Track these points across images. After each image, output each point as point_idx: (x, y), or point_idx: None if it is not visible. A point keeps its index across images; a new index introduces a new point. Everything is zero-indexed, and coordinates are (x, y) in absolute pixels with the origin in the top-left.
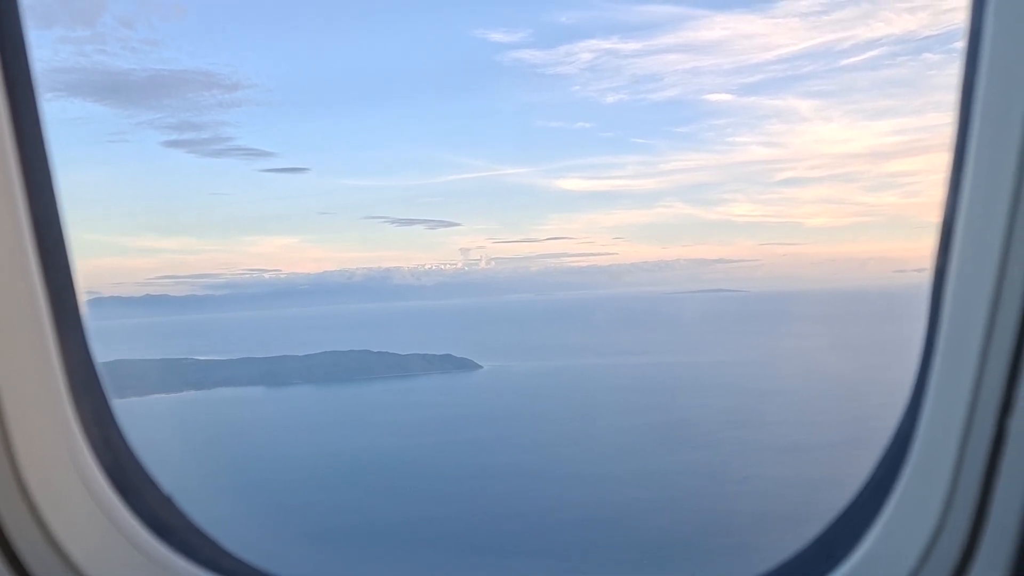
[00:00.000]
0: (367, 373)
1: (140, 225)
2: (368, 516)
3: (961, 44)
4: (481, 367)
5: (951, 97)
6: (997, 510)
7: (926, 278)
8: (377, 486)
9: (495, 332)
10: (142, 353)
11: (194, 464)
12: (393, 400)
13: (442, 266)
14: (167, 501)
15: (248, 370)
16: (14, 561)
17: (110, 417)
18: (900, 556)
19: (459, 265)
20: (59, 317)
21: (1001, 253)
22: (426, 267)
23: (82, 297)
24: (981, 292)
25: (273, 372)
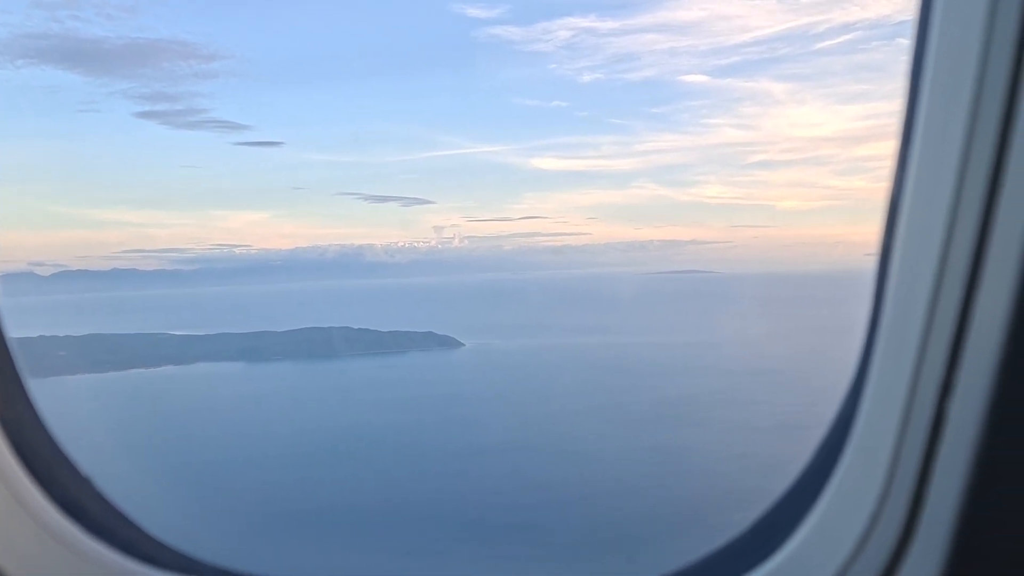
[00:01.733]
0: (348, 350)
1: (107, 198)
2: (354, 494)
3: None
4: (464, 344)
5: None
6: (935, 492)
7: None
8: (365, 464)
9: (473, 310)
10: (116, 327)
11: (177, 440)
12: (376, 377)
13: (416, 244)
14: (84, 482)
15: (227, 345)
16: None
17: (21, 393)
18: (839, 539)
19: (433, 243)
20: None
21: (944, 237)
22: (400, 244)
23: None
24: (923, 276)
25: (253, 348)
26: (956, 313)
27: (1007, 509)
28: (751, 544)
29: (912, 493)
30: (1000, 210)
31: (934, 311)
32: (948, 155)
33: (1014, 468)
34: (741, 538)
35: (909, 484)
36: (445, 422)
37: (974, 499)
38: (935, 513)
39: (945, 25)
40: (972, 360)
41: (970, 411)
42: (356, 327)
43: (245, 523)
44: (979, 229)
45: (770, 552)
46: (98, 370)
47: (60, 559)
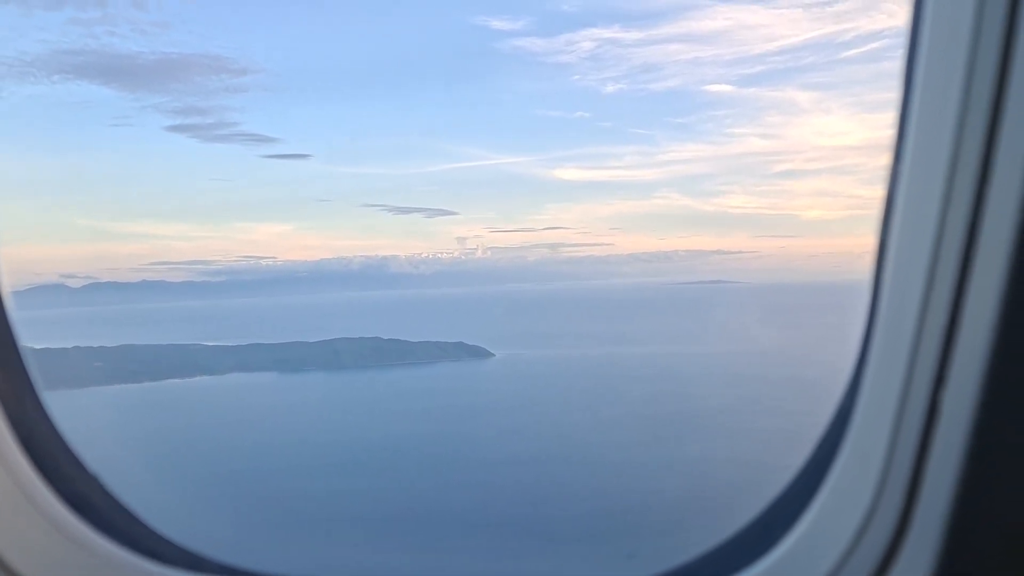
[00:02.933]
0: (379, 360)
1: (136, 211)
2: (382, 504)
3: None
4: (494, 355)
5: None
6: (929, 484)
7: None
8: (402, 474)
9: (499, 321)
10: (148, 339)
11: (214, 450)
12: (409, 387)
13: (439, 255)
14: (91, 479)
15: (259, 356)
16: None
17: (30, 392)
18: (837, 532)
19: (456, 254)
20: None
21: (935, 233)
22: (423, 256)
23: (1, 272)
24: (916, 271)
25: (285, 359)
26: (948, 306)
27: (1001, 498)
28: (751, 539)
29: (907, 484)
30: (989, 206)
31: (927, 305)
32: (938, 153)
33: (1007, 457)
34: (741, 533)
35: (904, 475)
36: (475, 432)
37: (968, 488)
38: (930, 503)
39: (934, 35)
40: (964, 352)
41: (963, 402)
42: (386, 338)
43: (274, 529)
44: (969, 225)
45: (770, 546)
46: (133, 380)
47: (66, 554)
